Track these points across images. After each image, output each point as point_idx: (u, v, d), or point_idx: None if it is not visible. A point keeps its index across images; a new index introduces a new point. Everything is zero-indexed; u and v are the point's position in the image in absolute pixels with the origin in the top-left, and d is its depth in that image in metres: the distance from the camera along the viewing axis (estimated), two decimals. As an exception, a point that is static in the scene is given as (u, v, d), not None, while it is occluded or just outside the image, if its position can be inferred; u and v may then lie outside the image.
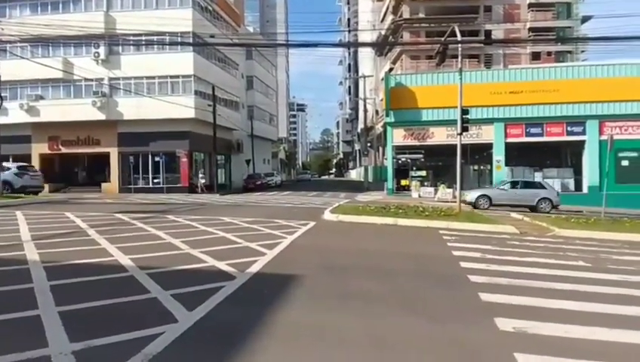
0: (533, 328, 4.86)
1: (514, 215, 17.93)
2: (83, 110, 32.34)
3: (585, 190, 26.90)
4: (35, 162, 34.42)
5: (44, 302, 5.39)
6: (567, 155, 28.71)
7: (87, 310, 5.20)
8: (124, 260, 7.84)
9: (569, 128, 26.95)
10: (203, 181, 32.58)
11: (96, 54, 32.33)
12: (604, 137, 25.82)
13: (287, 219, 14.63)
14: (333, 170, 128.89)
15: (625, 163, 26.11)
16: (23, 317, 4.92)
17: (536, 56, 45.78)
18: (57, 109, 32.66)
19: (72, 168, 37.85)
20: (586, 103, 26.47)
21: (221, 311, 5.28)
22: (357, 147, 79.76)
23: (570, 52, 47.62)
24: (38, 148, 34.41)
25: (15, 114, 32.32)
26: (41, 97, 33.22)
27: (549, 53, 46.59)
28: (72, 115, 32.51)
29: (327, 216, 15.82)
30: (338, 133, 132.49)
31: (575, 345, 4.52)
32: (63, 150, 34.53)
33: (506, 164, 27.49)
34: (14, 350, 3.98)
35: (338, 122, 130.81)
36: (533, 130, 27.22)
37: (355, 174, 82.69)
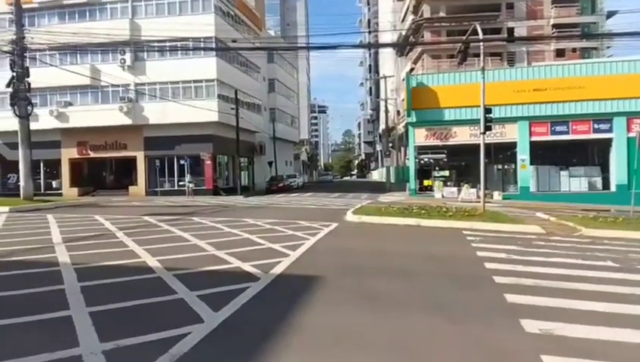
0: (560, 330, 4.81)
1: (539, 214, 17.64)
2: (110, 115, 33.03)
3: (613, 188, 26.28)
4: (65, 167, 35.37)
5: (75, 303, 5.57)
6: (593, 153, 28.09)
7: (116, 311, 5.35)
8: (152, 262, 8.02)
9: (595, 126, 26.37)
10: (192, 185, 32.09)
11: (122, 61, 32.97)
12: (632, 134, 25.14)
13: (310, 221, 14.69)
14: (355, 170, 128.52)
15: (654, 160, 25.45)
16: (55, 317, 5.09)
17: (560, 53, 44.92)
18: (85, 115, 33.41)
19: (100, 172, 38.64)
20: (613, 100, 25.88)
21: (246, 311, 5.37)
22: (379, 148, 79.43)
23: (595, 48, 46.56)
24: (68, 153, 35.25)
25: (45, 120, 33.17)
26: (70, 103, 34.03)
27: (573, 50, 45.65)
28: (99, 120, 33.25)
29: (350, 217, 15.84)
30: (359, 134, 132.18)
31: (602, 347, 4.46)
32: (92, 155, 35.30)
33: (531, 163, 27.05)
34: (46, 350, 4.13)
35: (359, 123, 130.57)
36: (558, 128, 26.72)
37: (377, 175, 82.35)
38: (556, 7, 45.86)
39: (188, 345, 4.31)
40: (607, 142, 26.59)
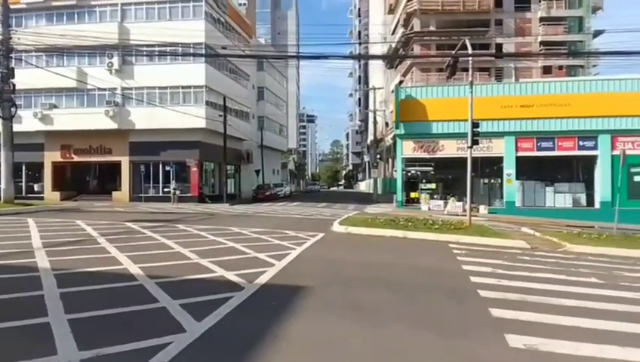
0: (545, 345, 4.80)
1: (525, 229, 17.76)
2: (96, 119, 32.69)
3: (597, 205, 26.59)
4: (48, 170, 34.86)
5: (53, 310, 5.43)
6: (578, 170, 28.43)
7: (96, 318, 5.22)
8: (134, 269, 7.88)
9: (581, 143, 26.72)
10: (178, 192, 31.68)
11: (109, 64, 32.72)
12: (616, 152, 25.51)
13: (296, 230, 14.62)
14: (343, 181, 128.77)
15: (638, 178, 25.74)
16: (33, 324, 4.95)
17: (547, 70, 45.63)
18: (70, 118, 33.04)
19: (84, 176, 38.15)
20: (598, 118, 26.27)
21: (230, 321, 5.28)
22: (366, 159, 79.76)
23: (581, 66, 47.41)
24: (51, 157, 34.76)
25: (29, 122, 32.73)
26: (55, 106, 33.63)
27: (560, 67, 46.41)
28: (84, 123, 32.87)
29: (336, 227, 15.80)
30: (348, 144, 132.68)
31: (587, 363, 4.45)
32: (75, 158, 34.85)
33: (517, 178, 27.29)
34: (23, 357, 4.01)
35: (348, 134, 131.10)
36: (544, 144, 27.02)
37: (364, 186, 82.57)
38: (544, 24, 46.65)
39: (169, 354, 4.21)
40: (592, 159, 26.94)
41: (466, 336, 5.09)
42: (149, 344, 4.41)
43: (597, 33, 48.22)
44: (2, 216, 17.63)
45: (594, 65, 47.79)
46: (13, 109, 22.85)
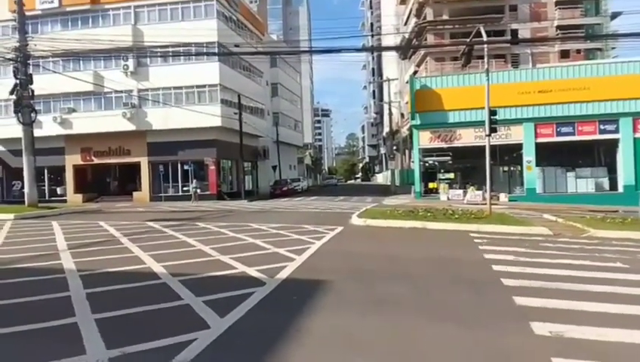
0: (570, 332, 4.74)
1: (546, 216, 17.53)
2: (113, 121, 33.12)
3: (620, 189, 26.13)
4: (69, 173, 35.46)
5: (81, 310, 5.53)
6: (600, 154, 27.94)
7: (122, 317, 5.31)
8: (157, 267, 7.98)
9: (601, 126, 26.26)
10: (198, 190, 31.90)
11: (125, 67, 33.06)
12: (638, 135, 25.07)
13: (315, 225, 14.64)
14: (360, 174, 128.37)
15: (661, 160, 25.30)
16: (61, 324, 5.05)
17: (565, 55, 44.74)
18: (89, 121, 33.52)
19: (104, 178, 38.72)
20: (619, 101, 25.77)
21: (252, 317, 5.32)
22: (383, 151, 79.38)
23: (600, 49, 46.40)
24: (72, 160, 35.34)
25: (49, 127, 33.29)
26: (74, 110, 34.13)
27: (578, 51, 45.47)
28: (103, 126, 33.33)
29: (355, 220, 15.77)
30: (363, 137, 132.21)
31: (613, 348, 4.39)
32: (95, 161, 35.37)
33: (537, 165, 26.94)
34: (53, 357, 4.09)
35: (363, 126, 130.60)
36: (564, 130, 26.62)
37: (381, 178, 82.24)
38: (560, 8, 45.74)
39: (194, 351, 4.26)
40: (614, 143, 26.46)
41: (491, 326, 5.04)
42: (174, 341, 4.47)
43: (614, 15, 47.10)
44: (27, 220, 17.99)
45: (613, 48, 46.73)
46: (33, 115, 23.21)
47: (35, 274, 7.64)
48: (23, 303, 5.97)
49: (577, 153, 27.74)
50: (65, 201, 33.65)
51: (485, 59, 18.09)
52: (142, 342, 4.42)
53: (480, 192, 24.70)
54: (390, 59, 71.60)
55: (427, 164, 29.33)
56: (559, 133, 26.67)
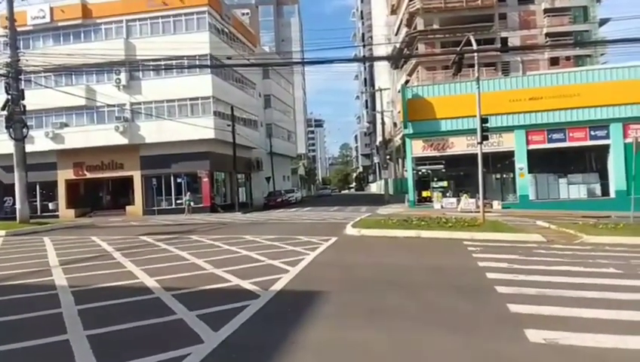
0: (565, 339, 4.73)
1: (540, 223, 17.59)
2: (106, 135, 33.03)
3: (612, 195, 26.29)
4: (61, 188, 35.24)
5: (72, 327, 5.47)
6: (591, 160, 28.13)
7: (114, 333, 5.25)
8: (150, 282, 7.92)
9: (592, 132, 26.47)
10: (191, 203, 31.79)
11: (117, 80, 33.05)
12: (628, 140, 25.25)
13: (309, 235, 14.60)
14: (354, 184, 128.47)
15: (652, 165, 25.50)
16: (53, 341, 4.99)
17: (554, 62, 45.22)
18: (81, 136, 33.41)
19: (97, 192, 38.53)
20: (609, 107, 26.01)
21: (246, 330, 5.28)
22: (376, 160, 79.59)
23: (589, 56, 46.94)
24: (64, 175, 35.14)
25: (41, 142, 33.16)
26: (66, 125, 34.02)
27: (567, 58, 45.99)
28: (95, 140, 33.23)
29: (349, 230, 15.76)
30: (357, 146, 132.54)
31: (608, 354, 4.39)
32: (88, 175, 35.21)
33: (529, 172, 27.08)
34: (45, 375, 4.03)
35: (356, 136, 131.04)
36: (555, 136, 26.81)
37: (375, 187, 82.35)
38: (548, 16, 46.34)
39: (188, 366, 4.21)
40: (605, 149, 26.66)
41: (486, 334, 5.04)
42: (167, 356, 4.42)
43: (603, 22, 47.77)
44: (19, 236, 17.83)
45: (602, 54, 47.30)
46: (24, 130, 23.06)
47: (27, 291, 7.56)
48: (14, 321, 5.89)
49: (569, 159, 27.92)
50: (57, 217, 33.38)
51: (476, 68, 18.24)
52: (134, 359, 4.37)
53: (473, 200, 24.75)
54: (382, 69, 72.10)
55: (420, 173, 29.40)
56: (550, 140, 26.86)
